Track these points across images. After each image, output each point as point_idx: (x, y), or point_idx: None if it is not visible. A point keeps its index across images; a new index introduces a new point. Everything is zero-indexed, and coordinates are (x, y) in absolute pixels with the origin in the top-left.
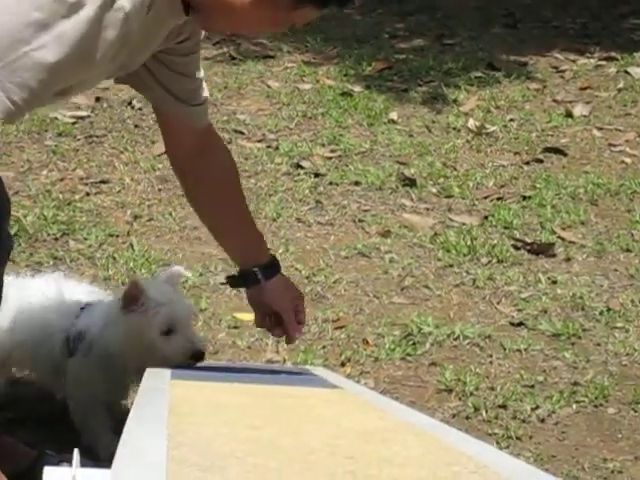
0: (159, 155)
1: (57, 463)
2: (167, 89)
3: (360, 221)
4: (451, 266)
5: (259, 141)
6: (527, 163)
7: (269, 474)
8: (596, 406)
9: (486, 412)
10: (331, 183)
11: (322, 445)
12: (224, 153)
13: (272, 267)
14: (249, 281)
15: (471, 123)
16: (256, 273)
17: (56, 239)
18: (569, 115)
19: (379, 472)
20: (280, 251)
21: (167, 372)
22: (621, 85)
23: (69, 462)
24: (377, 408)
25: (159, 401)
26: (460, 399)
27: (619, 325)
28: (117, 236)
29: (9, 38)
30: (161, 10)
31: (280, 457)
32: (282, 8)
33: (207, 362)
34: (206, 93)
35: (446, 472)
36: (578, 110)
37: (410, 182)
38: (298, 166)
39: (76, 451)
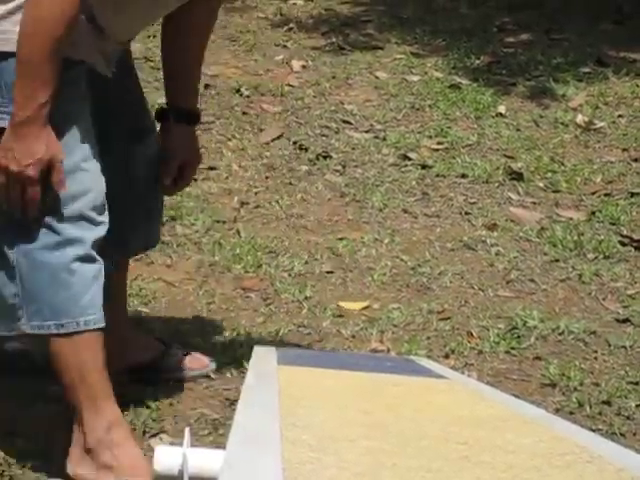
0: (267, 143)
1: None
2: None
3: (466, 214)
4: (557, 261)
5: (366, 131)
6: (635, 160)
7: (383, 457)
8: None
9: (590, 408)
10: (438, 175)
11: (435, 431)
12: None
13: (188, 115)
14: (162, 117)
15: (579, 118)
16: (169, 111)
17: (163, 224)
18: None
19: (493, 459)
20: (386, 241)
21: (273, 357)
22: None
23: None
24: (486, 398)
25: (269, 384)
26: (564, 394)
27: None
28: (224, 222)
29: None
30: None
31: (393, 441)
32: None
33: (311, 350)
34: None
35: (560, 461)
36: None
37: (517, 176)
38: (405, 157)
39: (187, 430)
